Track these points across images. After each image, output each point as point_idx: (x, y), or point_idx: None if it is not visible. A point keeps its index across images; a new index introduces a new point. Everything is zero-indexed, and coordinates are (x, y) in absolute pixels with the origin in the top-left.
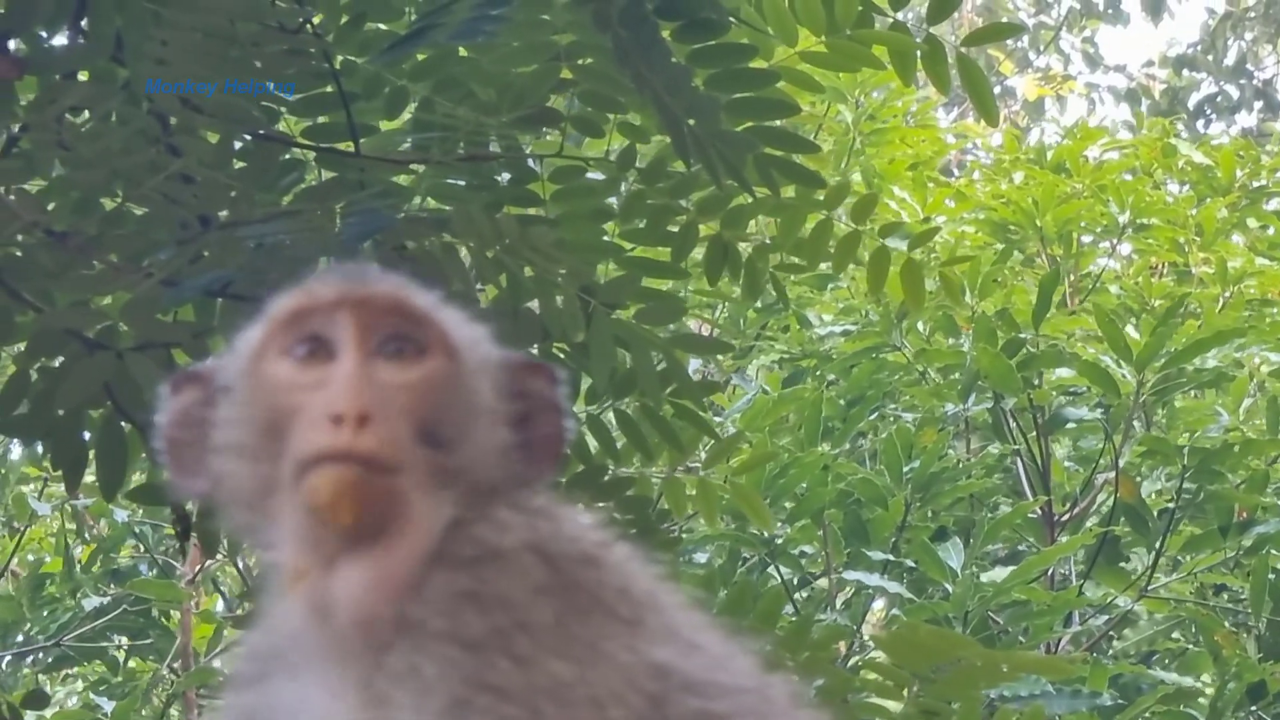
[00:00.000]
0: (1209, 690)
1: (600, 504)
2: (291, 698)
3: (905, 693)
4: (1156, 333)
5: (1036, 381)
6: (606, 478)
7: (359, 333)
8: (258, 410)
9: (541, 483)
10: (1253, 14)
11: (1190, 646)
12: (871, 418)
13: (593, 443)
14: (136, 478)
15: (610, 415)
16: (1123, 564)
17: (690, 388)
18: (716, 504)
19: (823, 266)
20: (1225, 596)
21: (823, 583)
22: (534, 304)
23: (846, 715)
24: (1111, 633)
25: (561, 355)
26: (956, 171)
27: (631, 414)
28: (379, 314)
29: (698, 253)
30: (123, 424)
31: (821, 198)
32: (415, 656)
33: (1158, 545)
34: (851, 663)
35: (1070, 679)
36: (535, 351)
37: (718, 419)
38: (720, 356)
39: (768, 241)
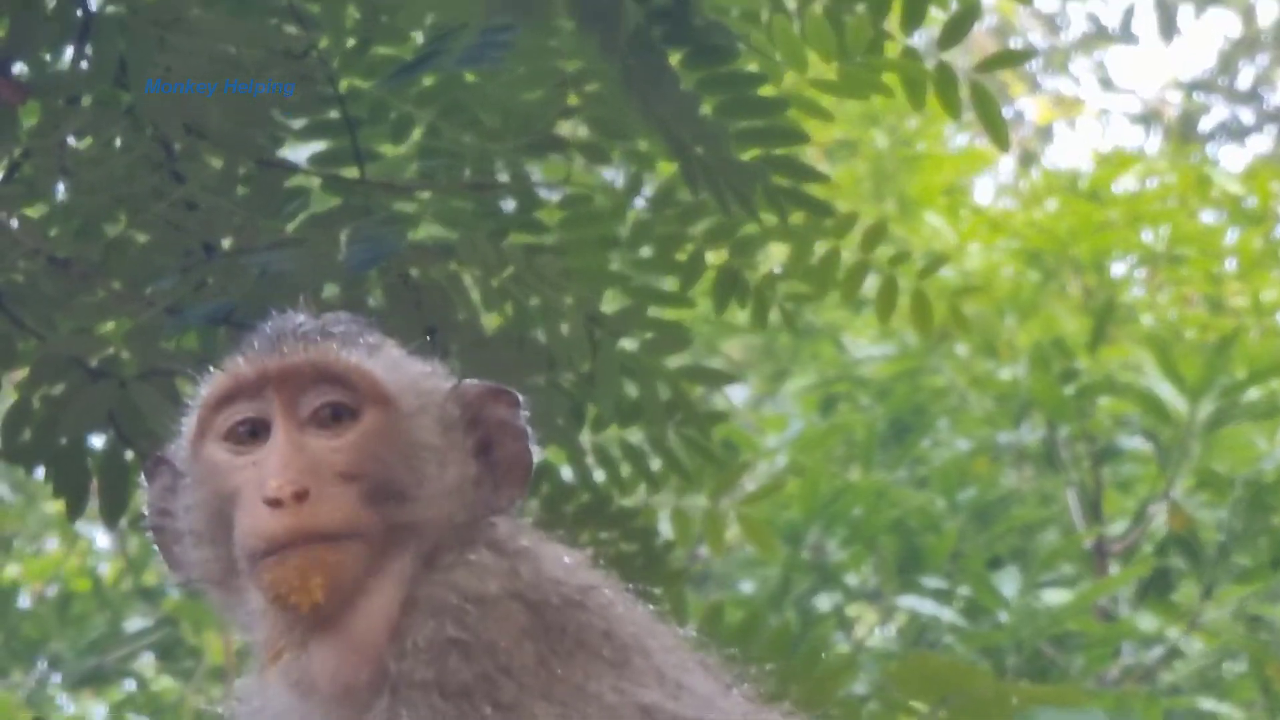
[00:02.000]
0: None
1: (605, 534)
2: None
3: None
4: (1211, 363)
5: (1089, 411)
6: (612, 508)
7: (287, 407)
8: (204, 495)
9: (512, 508)
10: (1267, 37)
11: (1223, 674)
12: (925, 445)
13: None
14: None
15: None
16: (1172, 594)
17: (695, 417)
18: (723, 533)
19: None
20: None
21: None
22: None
23: None
24: (1158, 666)
25: (567, 384)
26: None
27: (637, 443)
28: (305, 385)
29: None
30: (125, 451)
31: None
32: (399, 709)
33: (1208, 577)
34: None
35: (1125, 712)
36: (541, 381)
37: (769, 446)
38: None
39: (776, 271)
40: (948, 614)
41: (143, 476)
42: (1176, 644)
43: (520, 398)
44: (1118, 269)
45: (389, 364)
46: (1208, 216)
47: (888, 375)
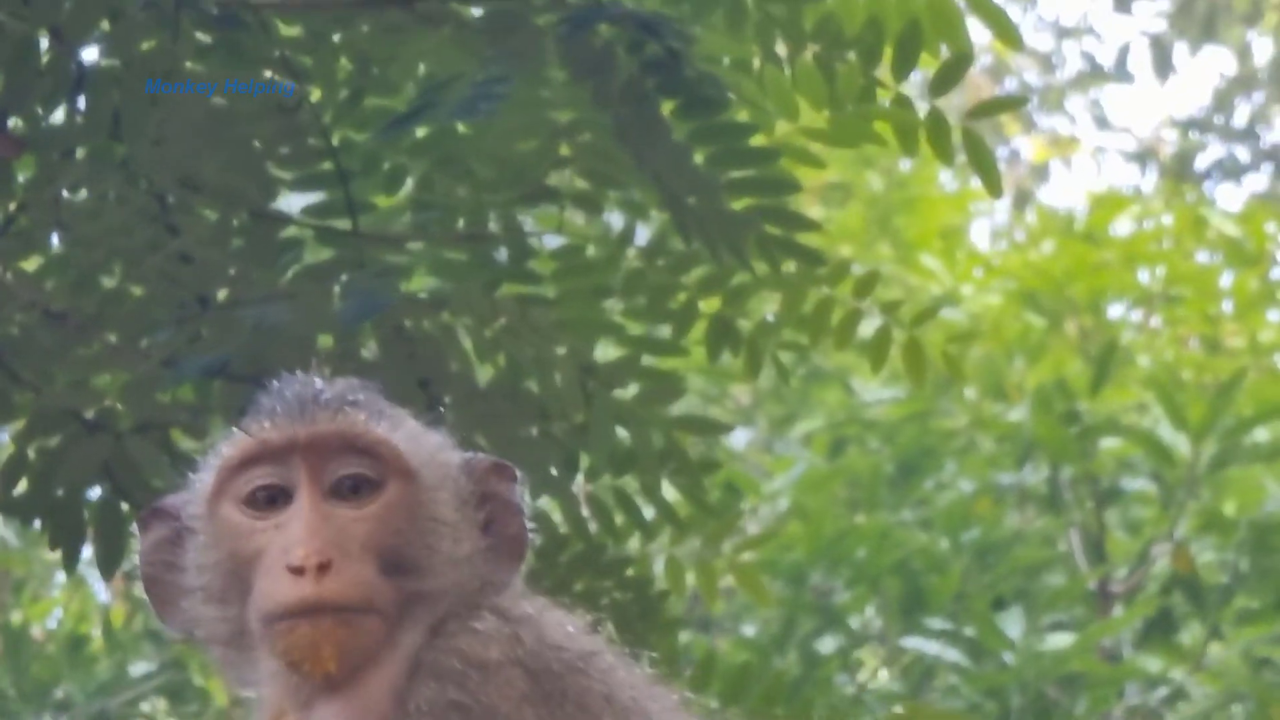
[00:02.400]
0: None
1: (599, 583)
2: None
3: None
4: (1214, 404)
5: (1091, 452)
6: (607, 557)
7: (311, 476)
8: (219, 556)
9: (508, 583)
10: (1262, 75)
11: (1228, 716)
12: (928, 487)
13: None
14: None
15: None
16: (1176, 636)
17: (689, 466)
18: (716, 582)
19: None
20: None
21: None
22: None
23: None
24: (1161, 707)
25: (560, 434)
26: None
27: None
28: (330, 454)
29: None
30: (121, 503)
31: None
32: None
33: (1212, 619)
34: None
35: None
36: (534, 431)
37: (773, 488)
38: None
39: (769, 319)
40: (952, 655)
41: (135, 527)
42: (1181, 685)
43: (519, 474)
44: (1114, 310)
45: (411, 437)
46: (1204, 257)
47: (896, 417)
